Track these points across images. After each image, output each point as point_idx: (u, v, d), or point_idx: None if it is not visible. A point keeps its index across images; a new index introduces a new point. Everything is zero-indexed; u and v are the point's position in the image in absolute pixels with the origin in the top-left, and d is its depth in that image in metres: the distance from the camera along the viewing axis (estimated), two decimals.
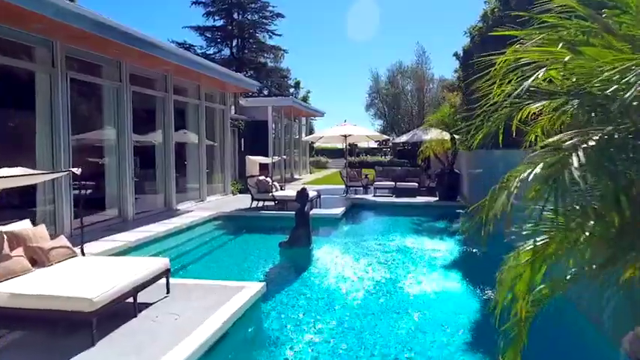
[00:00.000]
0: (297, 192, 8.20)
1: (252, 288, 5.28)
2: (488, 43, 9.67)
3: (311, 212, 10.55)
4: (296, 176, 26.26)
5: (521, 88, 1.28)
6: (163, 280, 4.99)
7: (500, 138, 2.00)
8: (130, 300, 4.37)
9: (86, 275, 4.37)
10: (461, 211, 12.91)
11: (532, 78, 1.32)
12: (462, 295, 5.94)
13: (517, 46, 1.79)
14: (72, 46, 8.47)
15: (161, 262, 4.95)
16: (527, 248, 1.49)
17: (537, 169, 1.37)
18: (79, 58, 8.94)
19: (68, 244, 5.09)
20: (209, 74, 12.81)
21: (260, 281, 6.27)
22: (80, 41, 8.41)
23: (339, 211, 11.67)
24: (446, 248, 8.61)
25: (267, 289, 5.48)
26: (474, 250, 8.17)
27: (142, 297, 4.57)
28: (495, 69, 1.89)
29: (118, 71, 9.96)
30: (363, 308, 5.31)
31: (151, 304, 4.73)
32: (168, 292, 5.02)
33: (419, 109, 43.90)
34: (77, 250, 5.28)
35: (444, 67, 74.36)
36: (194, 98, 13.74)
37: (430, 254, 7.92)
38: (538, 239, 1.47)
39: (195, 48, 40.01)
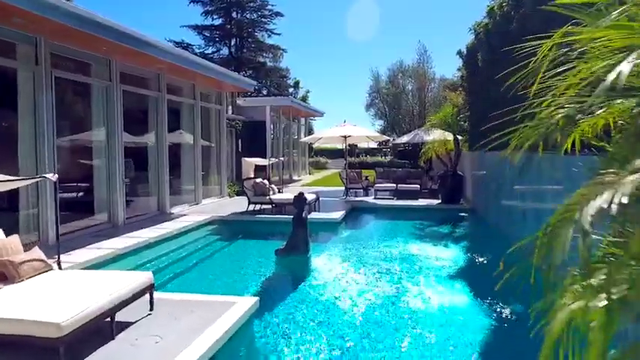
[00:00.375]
0: (295, 196, 7.78)
1: (244, 304, 4.86)
2: (494, 40, 9.17)
3: (309, 216, 10.17)
4: (295, 177, 25.84)
5: (615, 73, 0.86)
6: (147, 296, 4.58)
7: (541, 146, 1.57)
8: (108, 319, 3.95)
9: (58, 294, 3.94)
10: (464, 214, 12.51)
11: (624, 64, 0.90)
12: (472, 311, 5.51)
13: (569, 27, 1.36)
14: (57, 43, 8.06)
15: (144, 277, 4.52)
16: (600, 305, 1.06)
17: (622, 198, 0.95)
18: (66, 55, 8.52)
19: (43, 256, 4.66)
20: (204, 73, 12.40)
21: (254, 294, 5.86)
22: (66, 38, 8.00)
23: (338, 215, 11.25)
24: (451, 256, 8.19)
25: (261, 304, 5.07)
26: (482, 259, 7.76)
27: (122, 315, 4.15)
28: (537, 59, 1.46)
29: (107, 69, 9.53)
30: (365, 326, 4.88)
31: (132, 323, 4.30)
32: (151, 309, 4.59)
33: (420, 109, 43.44)
34: (56, 261, 4.87)
35: (444, 67, 73.94)
36: (189, 98, 13.32)
37: (435, 263, 7.49)
38: (614, 291, 1.06)
39: (194, 47, 39.62)
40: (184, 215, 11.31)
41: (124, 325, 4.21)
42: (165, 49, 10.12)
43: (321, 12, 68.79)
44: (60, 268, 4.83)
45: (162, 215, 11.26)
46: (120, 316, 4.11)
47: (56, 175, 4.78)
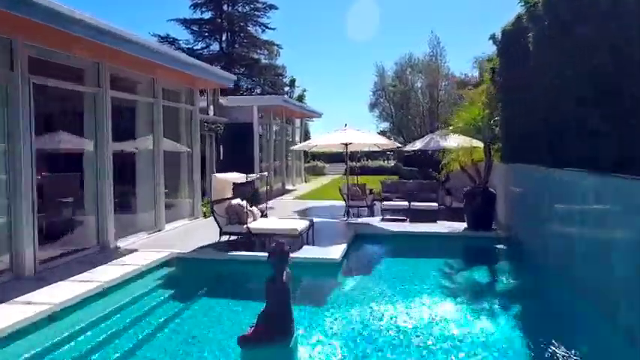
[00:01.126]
0: (269, 251, 4.89)
1: None
2: (561, 7, 6.05)
3: (301, 250, 7.65)
4: (289, 187, 22.99)
5: None
6: None
7: None
8: None
9: None
10: (503, 246, 9.63)
11: None
12: None
13: None
14: None
15: None
16: None
17: None
18: None
19: None
20: (167, 65, 9.62)
21: None
22: None
23: (338, 252, 8.33)
24: (504, 331, 5.36)
25: None
26: (555, 348, 4.89)
27: None
28: None
29: (7, 57, 6.69)
30: None
31: None
32: None
33: (431, 109, 40.17)
34: None
35: (452, 64, 70.72)
36: (147, 95, 10.47)
37: (482, 352, 4.64)
38: None
39: (181, 42, 36.89)
40: (133, 251, 8.46)
41: None
42: (98, 28, 7.25)
43: (320, 7, 65.86)
44: None
45: (101, 253, 8.40)
46: None
47: None
